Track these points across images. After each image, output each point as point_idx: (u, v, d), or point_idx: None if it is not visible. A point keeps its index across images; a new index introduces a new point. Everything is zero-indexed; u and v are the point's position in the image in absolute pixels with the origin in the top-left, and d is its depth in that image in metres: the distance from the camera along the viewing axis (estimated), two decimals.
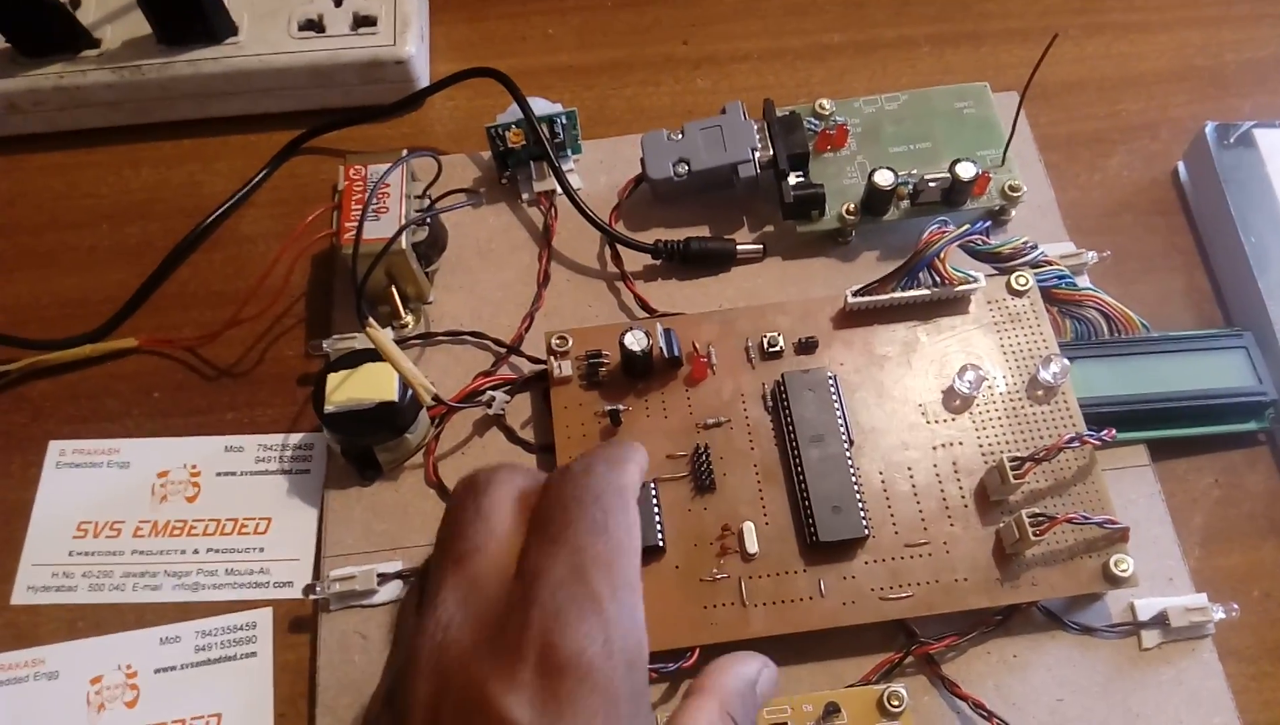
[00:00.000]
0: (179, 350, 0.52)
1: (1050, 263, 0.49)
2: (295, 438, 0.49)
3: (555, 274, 0.52)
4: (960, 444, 0.45)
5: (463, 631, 0.26)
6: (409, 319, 0.50)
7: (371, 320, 0.43)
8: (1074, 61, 0.59)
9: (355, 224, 0.47)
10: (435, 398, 0.45)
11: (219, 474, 0.49)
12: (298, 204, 0.56)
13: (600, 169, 0.55)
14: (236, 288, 0.53)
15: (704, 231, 0.53)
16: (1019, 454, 0.42)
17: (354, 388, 0.45)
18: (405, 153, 0.49)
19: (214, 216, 0.55)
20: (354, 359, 0.46)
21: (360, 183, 0.49)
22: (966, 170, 0.49)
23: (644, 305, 0.50)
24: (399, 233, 0.46)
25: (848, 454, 0.44)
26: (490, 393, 0.47)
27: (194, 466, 0.49)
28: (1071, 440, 0.42)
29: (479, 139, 0.54)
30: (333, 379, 0.45)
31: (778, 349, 0.47)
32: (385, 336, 0.43)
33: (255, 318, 0.51)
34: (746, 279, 0.52)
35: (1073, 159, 0.56)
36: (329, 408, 0.44)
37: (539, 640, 0.25)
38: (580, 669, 0.25)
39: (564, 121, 0.53)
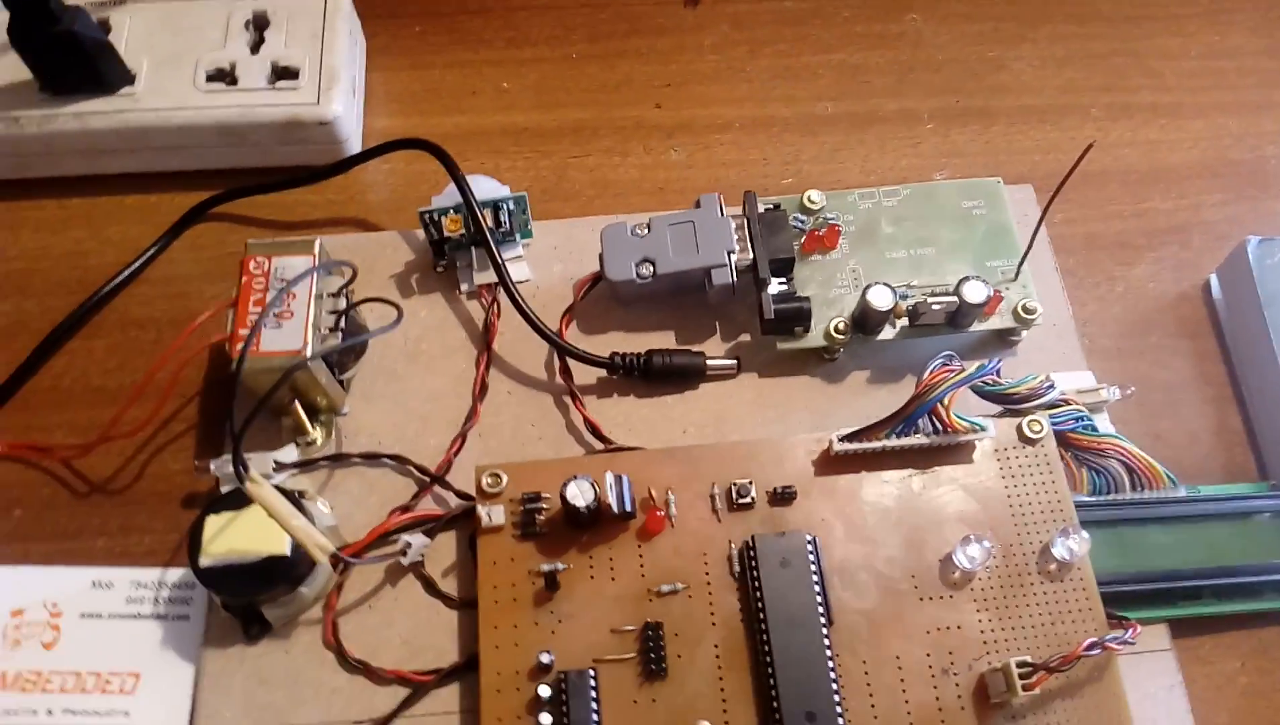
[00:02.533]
0: (49, 460, 0.44)
1: (1067, 402, 0.42)
2: (174, 574, 0.42)
3: (494, 384, 0.45)
4: (959, 628, 0.38)
5: None
6: (317, 434, 0.43)
7: (254, 474, 0.36)
8: (1096, 148, 0.51)
9: (250, 330, 0.39)
10: (334, 556, 0.37)
11: (83, 615, 0.41)
12: (199, 282, 0.48)
13: (554, 256, 0.48)
14: (120, 384, 0.46)
15: (670, 338, 0.46)
16: (1027, 658, 0.35)
17: (236, 537, 0.37)
18: (316, 258, 0.41)
19: (100, 295, 0.47)
20: (240, 498, 0.38)
21: (262, 279, 0.41)
22: (976, 292, 0.42)
23: (595, 432, 0.43)
24: (292, 370, 0.38)
25: (826, 639, 0.37)
26: (405, 539, 0.39)
27: (54, 605, 0.42)
28: (1092, 647, 0.35)
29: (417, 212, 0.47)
30: (212, 523, 0.37)
31: (748, 500, 0.39)
32: (269, 493, 0.36)
33: (139, 424, 0.43)
34: (717, 399, 0.45)
35: (1092, 266, 0.49)
36: (204, 560, 0.37)
37: None
38: None
39: (511, 207, 0.45)
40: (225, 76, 0.49)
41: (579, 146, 0.52)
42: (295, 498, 0.38)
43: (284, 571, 0.37)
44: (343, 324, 0.41)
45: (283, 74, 0.49)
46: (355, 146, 0.50)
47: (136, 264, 0.48)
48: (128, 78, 0.48)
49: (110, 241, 0.49)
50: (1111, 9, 0.57)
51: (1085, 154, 0.40)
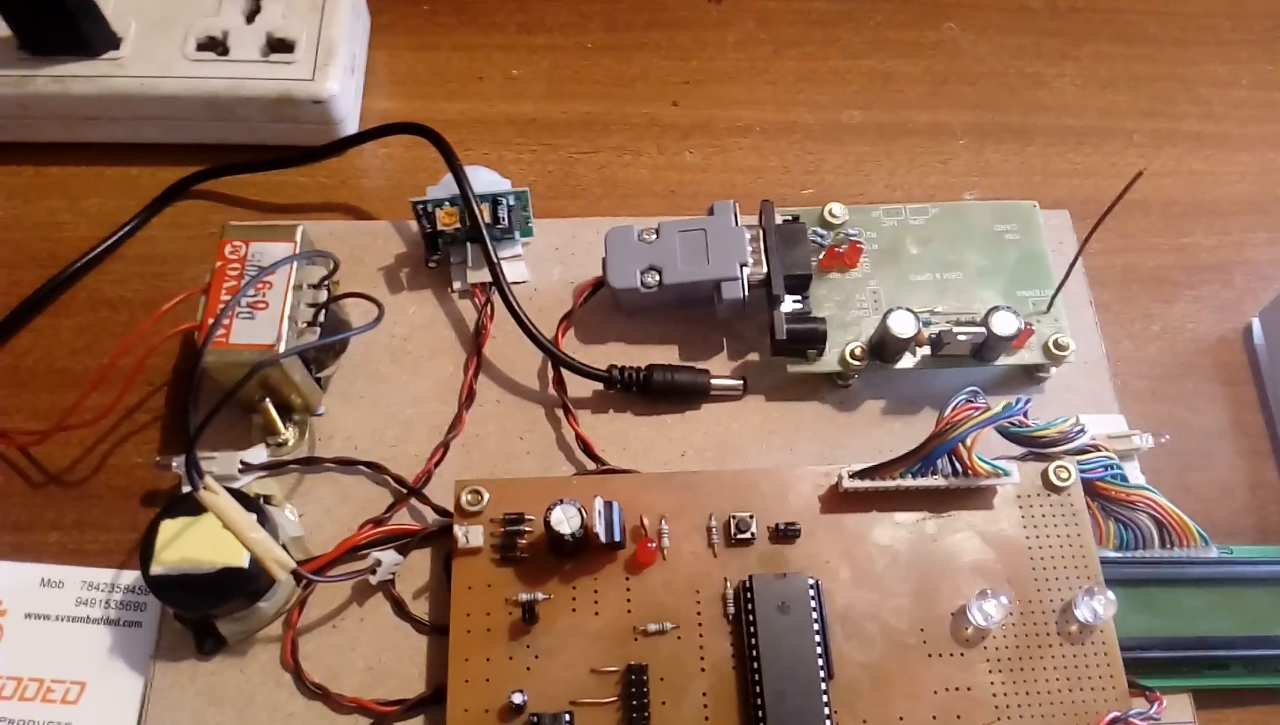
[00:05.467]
0: (3, 445, 0.41)
1: (1097, 448, 0.39)
2: (128, 577, 0.39)
3: (483, 391, 0.42)
4: (969, 690, 0.35)
5: None
6: (289, 435, 0.40)
7: (210, 480, 0.33)
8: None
9: (215, 320, 0.36)
10: (294, 572, 0.34)
11: (29, 615, 0.39)
12: (177, 263, 0.45)
13: (555, 258, 0.45)
14: (86, 367, 0.43)
15: (673, 352, 0.43)
16: None
17: (192, 545, 0.34)
18: (297, 246, 0.38)
19: (72, 270, 0.44)
20: (199, 502, 0.35)
21: (237, 265, 0.38)
22: (1006, 324, 0.39)
23: (588, 450, 0.40)
24: (261, 366, 0.35)
25: (824, 694, 0.34)
26: (375, 556, 0.36)
27: None
28: (1114, 722, 0.32)
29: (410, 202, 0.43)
30: (166, 528, 0.34)
31: (748, 535, 0.36)
32: (225, 502, 0.33)
33: (102, 412, 0.40)
34: (719, 421, 0.42)
35: (1128, 301, 0.46)
36: (156, 569, 0.34)
37: None
38: None
39: (511, 203, 0.42)
40: (216, 46, 0.46)
41: (588, 142, 0.49)
42: (259, 504, 0.35)
43: (241, 585, 0.34)
44: (321, 318, 0.38)
45: (277, 46, 0.46)
46: (351, 127, 0.48)
47: (113, 239, 0.45)
48: (112, 41, 0.45)
49: (86, 214, 0.46)
50: (1160, 31, 0.54)
51: (1133, 183, 0.37)
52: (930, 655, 0.35)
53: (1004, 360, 0.41)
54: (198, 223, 0.46)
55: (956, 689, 0.35)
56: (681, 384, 0.41)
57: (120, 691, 0.37)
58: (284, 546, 0.35)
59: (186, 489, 0.37)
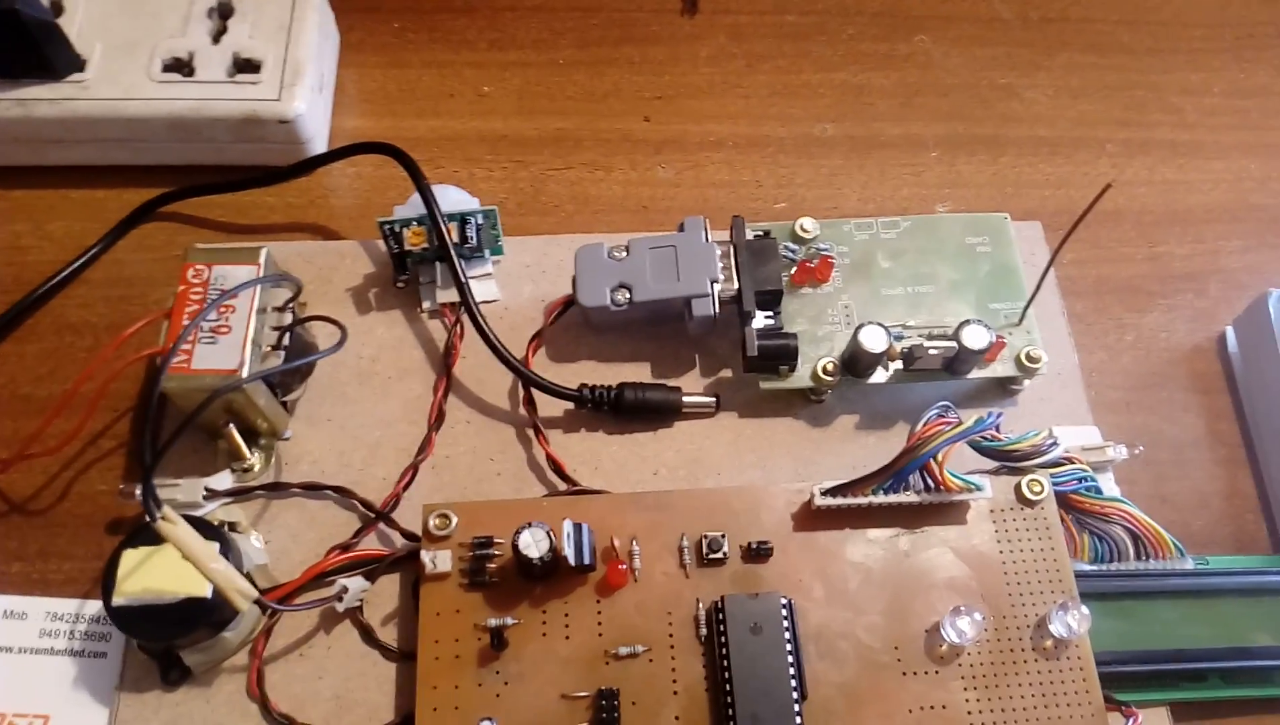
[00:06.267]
0: None
1: (1070, 460, 0.39)
2: (93, 607, 0.38)
3: (453, 412, 0.41)
4: (944, 708, 0.34)
5: None
6: (255, 460, 0.39)
7: (167, 510, 0.32)
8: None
9: (182, 343, 0.36)
10: (258, 601, 0.34)
11: None
12: (143, 286, 0.45)
13: (526, 276, 0.45)
14: (50, 393, 0.42)
15: (645, 370, 0.43)
16: None
17: (154, 575, 0.33)
18: (261, 269, 0.38)
19: (36, 294, 0.44)
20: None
21: (200, 288, 0.38)
22: (977, 337, 0.39)
23: (559, 470, 0.40)
24: (220, 392, 0.35)
25: (798, 715, 0.33)
26: (341, 583, 0.36)
27: None
28: None
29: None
30: (128, 558, 0.34)
31: (720, 555, 0.36)
32: (184, 533, 0.32)
33: (65, 439, 0.39)
34: (691, 438, 0.42)
35: (1101, 312, 0.46)
36: (117, 599, 0.33)
37: None
38: None
39: (480, 221, 0.42)
40: (182, 67, 0.45)
41: (560, 158, 0.49)
42: (221, 532, 0.35)
43: (204, 615, 0.34)
44: (286, 341, 0.38)
45: (244, 66, 0.45)
46: (319, 147, 0.47)
47: (77, 263, 0.45)
48: (77, 63, 0.44)
49: (51, 237, 0.46)
50: (1132, 40, 0.54)
51: (1102, 195, 0.36)
52: (904, 674, 0.35)
53: (976, 373, 0.41)
54: (164, 245, 0.46)
55: (931, 707, 0.34)
56: (653, 402, 0.41)
57: (86, 722, 0.36)
58: (249, 575, 0.35)
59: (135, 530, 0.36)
